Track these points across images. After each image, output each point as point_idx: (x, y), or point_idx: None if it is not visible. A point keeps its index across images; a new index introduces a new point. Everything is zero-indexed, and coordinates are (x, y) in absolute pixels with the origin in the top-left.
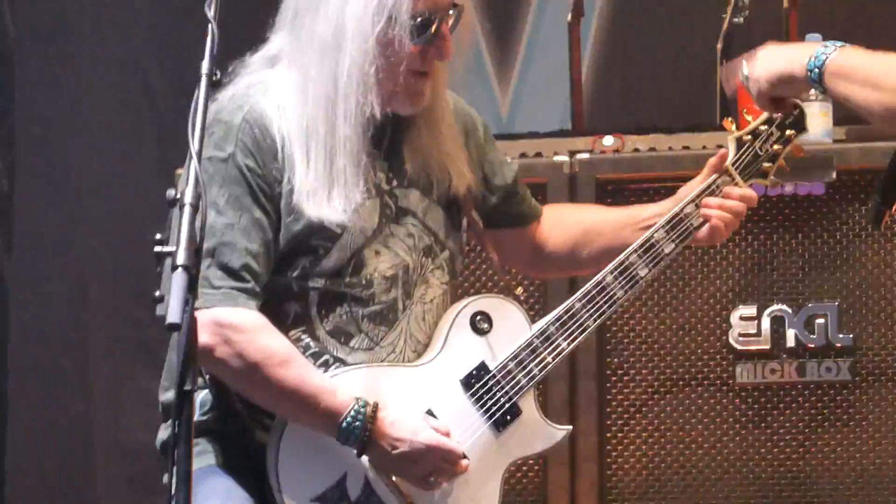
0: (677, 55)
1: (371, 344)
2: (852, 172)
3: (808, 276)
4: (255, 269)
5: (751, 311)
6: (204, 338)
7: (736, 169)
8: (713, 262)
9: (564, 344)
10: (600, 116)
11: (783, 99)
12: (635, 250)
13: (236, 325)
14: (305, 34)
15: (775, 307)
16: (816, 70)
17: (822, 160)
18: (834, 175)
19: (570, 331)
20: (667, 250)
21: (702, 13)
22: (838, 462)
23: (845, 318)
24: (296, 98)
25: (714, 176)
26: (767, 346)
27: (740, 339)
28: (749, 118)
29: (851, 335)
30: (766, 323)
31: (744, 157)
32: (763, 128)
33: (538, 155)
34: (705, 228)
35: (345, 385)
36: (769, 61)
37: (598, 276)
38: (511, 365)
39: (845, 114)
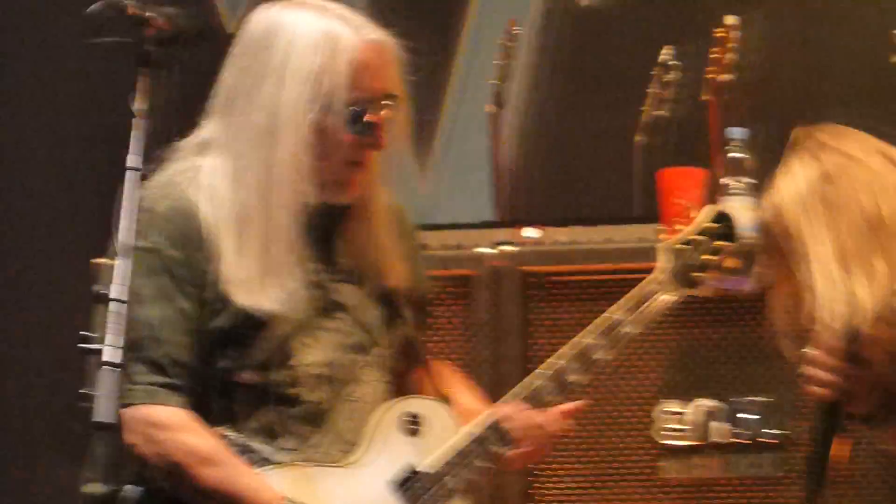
0: (598, 146)
1: (298, 444)
2: None
3: (737, 370)
4: (182, 362)
5: (677, 404)
6: (127, 436)
7: (666, 278)
8: (640, 355)
9: (496, 449)
10: (521, 207)
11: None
12: (566, 355)
13: (159, 422)
14: (239, 121)
15: (702, 401)
16: None
17: (747, 254)
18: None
19: (501, 435)
20: (599, 356)
21: (623, 105)
22: None
23: (772, 413)
24: (228, 185)
25: (643, 283)
26: (694, 441)
27: (665, 433)
28: (681, 228)
29: (778, 430)
30: (692, 417)
31: (674, 266)
32: (694, 238)
33: (459, 246)
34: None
35: (271, 485)
36: None
37: (528, 380)
38: (441, 468)
39: None
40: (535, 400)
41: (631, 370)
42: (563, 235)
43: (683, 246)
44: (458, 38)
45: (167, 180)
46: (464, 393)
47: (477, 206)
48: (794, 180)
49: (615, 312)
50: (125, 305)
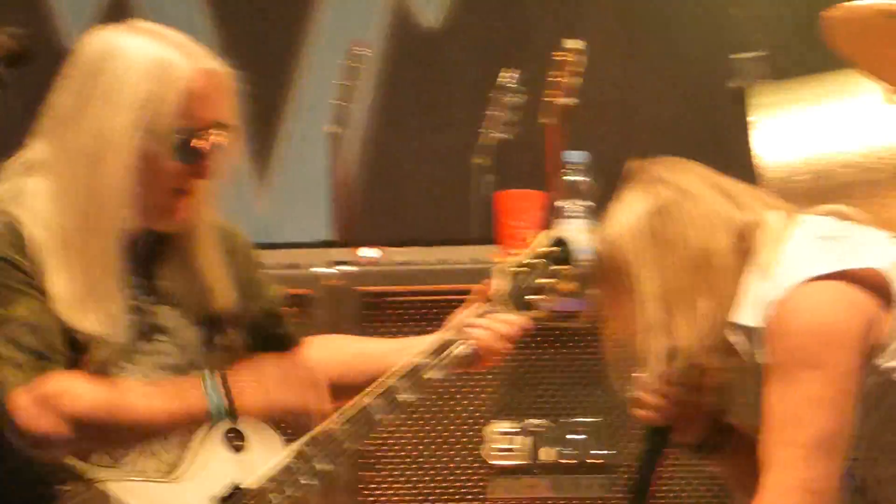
0: (437, 167)
1: (111, 462)
2: None
3: (567, 392)
4: (58, 347)
5: (508, 425)
6: (29, 420)
7: (499, 300)
8: (471, 375)
9: (321, 465)
10: (359, 227)
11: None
12: (397, 374)
13: (55, 392)
14: (65, 143)
15: (533, 421)
16: None
17: (583, 278)
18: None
19: (327, 453)
20: (430, 375)
21: (463, 126)
22: None
23: (601, 435)
24: (51, 207)
25: (478, 306)
26: (523, 461)
27: (495, 453)
28: (516, 251)
29: (607, 451)
30: (521, 437)
31: (509, 289)
32: (530, 261)
33: (296, 266)
34: (471, 351)
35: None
36: None
37: (358, 398)
38: (267, 485)
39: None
40: (365, 418)
41: (462, 390)
42: (400, 256)
43: (519, 269)
44: (299, 57)
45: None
46: (363, 342)
47: (314, 225)
48: (627, 213)
49: (447, 333)
50: None
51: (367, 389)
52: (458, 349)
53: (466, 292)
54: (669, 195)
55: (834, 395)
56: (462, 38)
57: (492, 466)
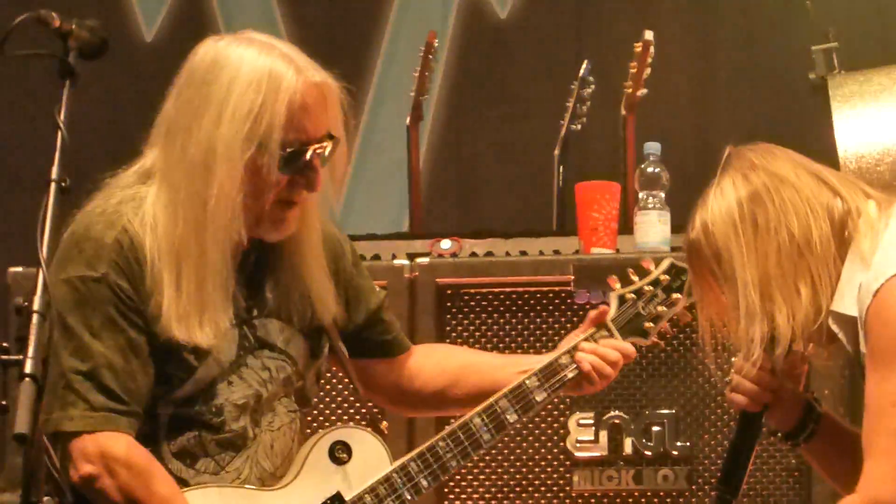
0: (514, 159)
1: (217, 468)
2: None
3: (646, 384)
4: (134, 390)
5: (588, 417)
6: (87, 467)
7: (616, 325)
8: None
9: (424, 482)
10: (437, 219)
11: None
12: (506, 395)
13: (121, 457)
14: (177, 154)
15: (613, 414)
16: None
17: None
18: None
19: (431, 470)
20: (538, 398)
21: (539, 117)
22: None
23: (682, 426)
24: (167, 218)
25: (592, 330)
26: (605, 454)
27: (578, 445)
28: (635, 278)
29: (688, 443)
30: (603, 430)
31: (625, 314)
32: (648, 288)
33: (375, 257)
34: (579, 377)
35: None
36: None
37: (466, 417)
38: (367, 498)
39: (683, 222)
40: (471, 437)
41: None
42: (478, 247)
43: (637, 296)
44: (375, 49)
45: (112, 209)
46: (470, 354)
47: (392, 217)
48: (725, 201)
49: (560, 357)
50: (44, 318)
51: (475, 409)
52: (569, 374)
53: (544, 283)
54: (766, 181)
55: None
56: (536, 29)
57: (575, 458)
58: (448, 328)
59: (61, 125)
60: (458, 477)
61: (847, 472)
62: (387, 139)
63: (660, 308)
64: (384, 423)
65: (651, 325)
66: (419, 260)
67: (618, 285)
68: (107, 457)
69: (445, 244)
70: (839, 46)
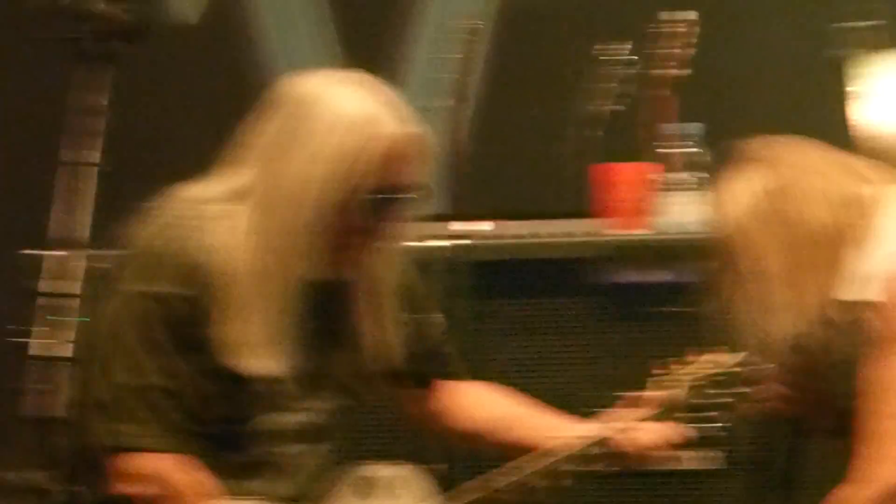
0: (549, 140)
1: (266, 489)
2: None
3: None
4: (186, 411)
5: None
6: (132, 484)
7: (672, 410)
8: (587, 349)
9: None
10: (473, 200)
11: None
12: (554, 459)
13: (182, 487)
14: (269, 182)
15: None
16: None
17: (698, 248)
18: None
19: None
20: (577, 467)
21: (574, 99)
22: None
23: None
24: (249, 246)
25: (644, 410)
26: None
27: None
28: (691, 361)
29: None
30: None
31: (686, 401)
32: (710, 375)
33: (409, 239)
34: (622, 454)
35: None
36: None
37: (512, 470)
38: None
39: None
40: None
41: (575, 364)
42: (516, 229)
43: (697, 382)
44: (412, 30)
45: (182, 227)
46: (517, 406)
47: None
48: (747, 193)
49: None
50: (58, 299)
51: (524, 465)
52: (612, 452)
53: (580, 263)
54: (789, 173)
55: None
56: (571, 9)
57: None
58: (485, 310)
59: (81, 108)
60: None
61: None
62: (423, 121)
63: (723, 400)
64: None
65: (711, 415)
66: (457, 241)
67: (677, 369)
68: (166, 481)
69: (483, 225)
70: (868, 25)
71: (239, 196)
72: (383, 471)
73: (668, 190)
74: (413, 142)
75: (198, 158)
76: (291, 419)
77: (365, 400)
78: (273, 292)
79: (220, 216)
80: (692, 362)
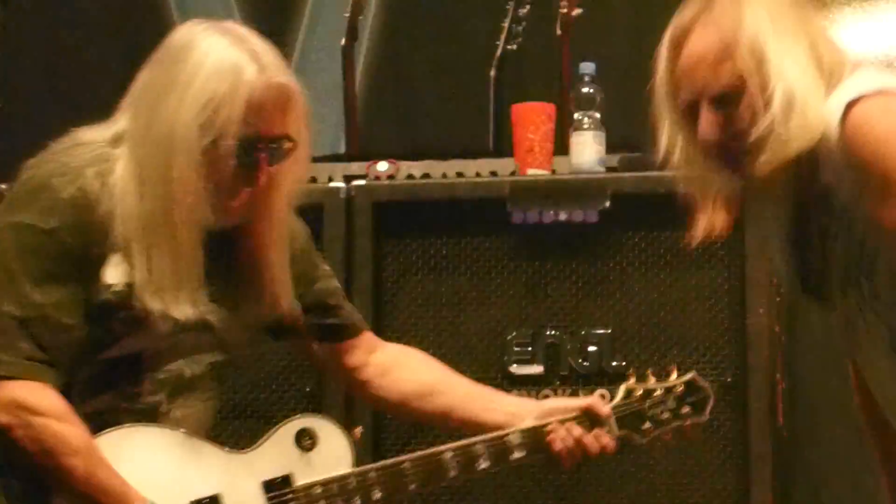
0: (450, 81)
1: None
2: (626, 199)
3: (581, 303)
4: (64, 346)
5: (526, 336)
6: (2, 417)
7: (615, 415)
8: (489, 288)
9: (378, 494)
10: (373, 140)
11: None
12: (485, 442)
13: (36, 407)
14: (142, 128)
15: (549, 333)
16: None
17: (596, 187)
18: (607, 203)
19: (388, 485)
20: (516, 455)
21: (475, 39)
22: (611, 483)
23: (618, 345)
24: (134, 190)
25: (584, 415)
26: (541, 371)
27: (515, 364)
28: (651, 378)
29: (624, 362)
30: (540, 348)
31: (627, 408)
32: (659, 393)
33: (312, 179)
34: (554, 451)
35: (137, 490)
36: None
37: (438, 449)
38: (317, 490)
39: (618, 141)
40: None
41: (483, 303)
42: (416, 169)
43: (644, 395)
44: None
45: (77, 165)
46: (446, 373)
47: (328, 139)
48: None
49: (548, 425)
50: None
51: (451, 445)
52: (545, 447)
53: (480, 203)
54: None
55: None
56: None
57: (512, 376)
58: (385, 250)
59: None
60: None
61: None
62: (322, 61)
63: (665, 415)
64: (359, 428)
65: (650, 426)
66: (356, 182)
67: (632, 379)
68: (22, 406)
69: (382, 166)
70: None
71: (117, 140)
72: (321, 427)
73: (570, 129)
74: (279, 91)
75: (98, 104)
76: (164, 367)
77: (256, 351)
78: (160, 235)
79: (107, 159)
80: (641, 378)
